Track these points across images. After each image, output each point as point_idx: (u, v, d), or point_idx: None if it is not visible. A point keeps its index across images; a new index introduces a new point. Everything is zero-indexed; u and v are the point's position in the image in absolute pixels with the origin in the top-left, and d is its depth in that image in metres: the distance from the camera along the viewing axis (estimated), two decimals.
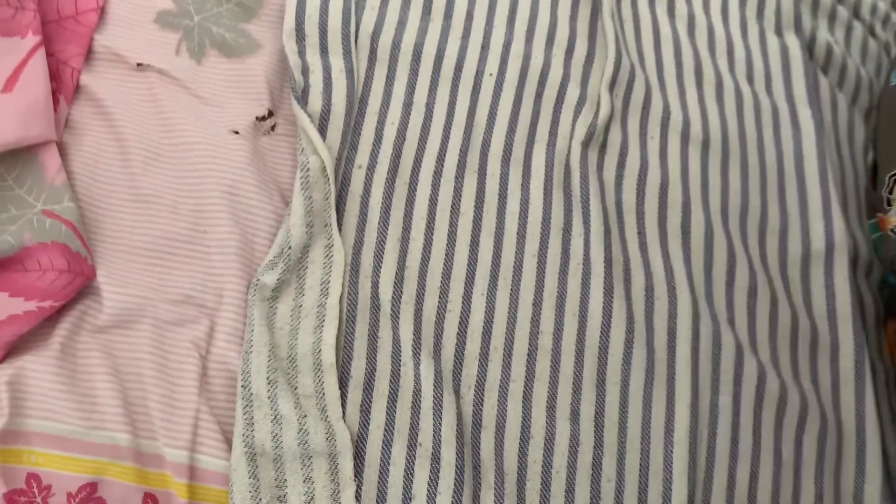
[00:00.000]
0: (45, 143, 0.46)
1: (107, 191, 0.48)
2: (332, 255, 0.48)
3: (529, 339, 0.49)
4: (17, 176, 0.45)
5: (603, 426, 0.48)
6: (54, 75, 0.49)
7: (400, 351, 0.47)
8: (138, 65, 0.51)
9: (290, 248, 0.47)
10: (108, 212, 0.47)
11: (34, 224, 0.44)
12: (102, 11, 0.52)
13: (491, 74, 0.55)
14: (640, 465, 0.47)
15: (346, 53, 0.53)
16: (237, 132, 0.50)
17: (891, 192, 0.54)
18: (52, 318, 0.44)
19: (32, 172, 0.46)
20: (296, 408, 0.44)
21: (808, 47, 0.63)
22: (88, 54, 0.51)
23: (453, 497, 0.44)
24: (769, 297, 0.52)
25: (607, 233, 0.51)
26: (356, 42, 0.54)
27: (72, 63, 0.50)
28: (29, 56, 0.47)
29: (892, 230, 0.53)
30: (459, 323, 0.48)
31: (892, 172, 0.55)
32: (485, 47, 0.56)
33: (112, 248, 0.46)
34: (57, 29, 0.50)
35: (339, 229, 0.49)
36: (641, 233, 0.52)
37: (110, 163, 0.49)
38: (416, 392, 0.46)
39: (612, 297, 0.50)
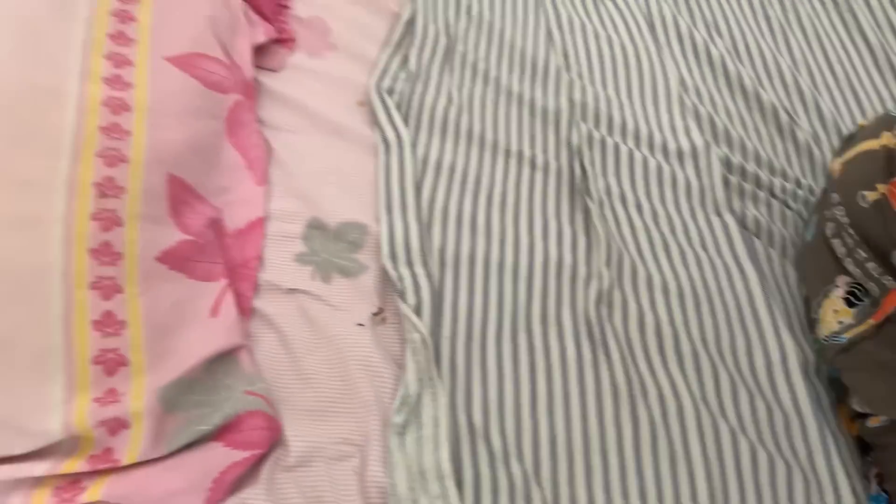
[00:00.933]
0: (239, 347, 0.69)
1: (280, 373, 0.70)
2: (438, 399, 0.69)
3: (583, 443, 0.69)
4: (224, 370, 0.68)
5: (647, 499, 0.66)
6: (237, 303, 0.73)
7: (495, 459, 0.67)
8: (289, 289, 0.75)
9: (409, 396, 0.68)
10: (284, 387, 0.69)
11: (241, 400, 0.66)
12: (260, 258, 0.77)
13: (524, 266, 0.80)
14: None
15: (425, 264, 0.78)
16: (362, 325, 0.73)
17: (815, 314, 0.77)
18: (257, 463, 0.65)
19: (234, 367, 0.68)
20: None
21: (741, 221, 0.88)
22: (255, 286, 0.75)
23: None
24: (747, 395, 0.73)
25: (624, 362, 0.73)
26: (430, 255, 0.79)
27: (246, 294, 0.74)
28: (223, 293, 0.72)
29: (823, 339, 0.75)
30: (532, 436, 0.69)
31: (816, 301, 0.78)
32: (517, 249, 0.81)
33: (291, 410, 0.68)
34: (233, 273, 0.75)
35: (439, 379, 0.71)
36: (648, 360, 0.74)
37: (279, 354, 0.71)
38: (511, 487, 0.65)
39: (637, 409, 0.71)
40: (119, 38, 0.78)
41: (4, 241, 0.63)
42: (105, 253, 0.66)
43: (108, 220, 0.67)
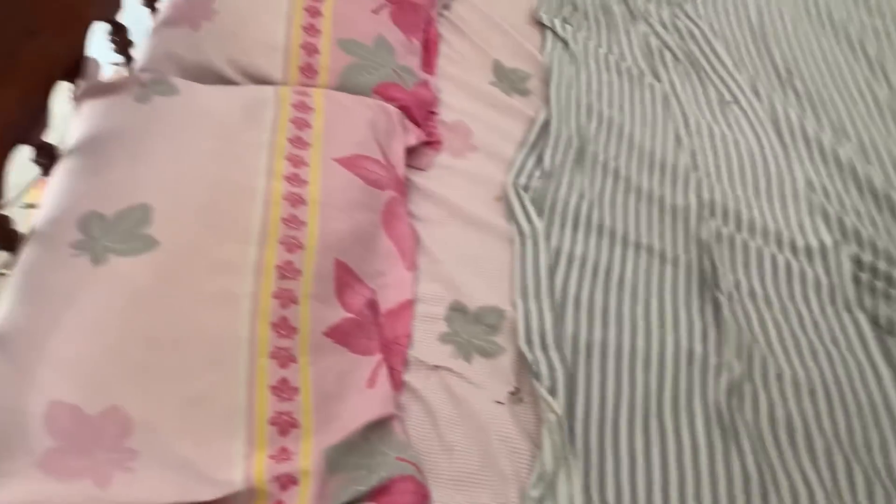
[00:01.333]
0: (392, 416, 0.77)
1: (427, 443, 0.77)
2: (573, 477, 0.73)
3: None
4: (379, 437, 0.75)
5: None
6: (389, 376, 0.81)
7: None
8: (433, 366, 0.83)
9: (545, 472, 0.73)
10: (430, 456, 0.76)
11: (393, 465, 0.73)
12: (409, 336, 0.86)
13: (655, 356, 0.84)
14: None
15: (558, 349, 0.83)
16: (501, 402, 0.79)
17: None
18: None
19: (387, 434, 0.76)
20: None
21: (873, 319, 0.89)
22: (405, 362, 0.83)
23: None
24: (883, 493, 0.73)
25: (755, 453, 0.75)
26: (564, 341, 0.85)
27: (397, 368, 0.82)
28: (378, 366, 0.80)
29: None
30: None
31: None
32: (648, 339, 0.86)
33: (436, 478, 0.74)
34: (386, 349, 0.84)
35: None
36: (780, 452, 0.76)
37: (426, 426, 0.78)
38: None
39: (769, 500, 0.73)
40: (297, 142, 0.91)
41: (205, 313, 0.74)
42: (283, 327, 0.76)
43: (287, 299, 0.77)
